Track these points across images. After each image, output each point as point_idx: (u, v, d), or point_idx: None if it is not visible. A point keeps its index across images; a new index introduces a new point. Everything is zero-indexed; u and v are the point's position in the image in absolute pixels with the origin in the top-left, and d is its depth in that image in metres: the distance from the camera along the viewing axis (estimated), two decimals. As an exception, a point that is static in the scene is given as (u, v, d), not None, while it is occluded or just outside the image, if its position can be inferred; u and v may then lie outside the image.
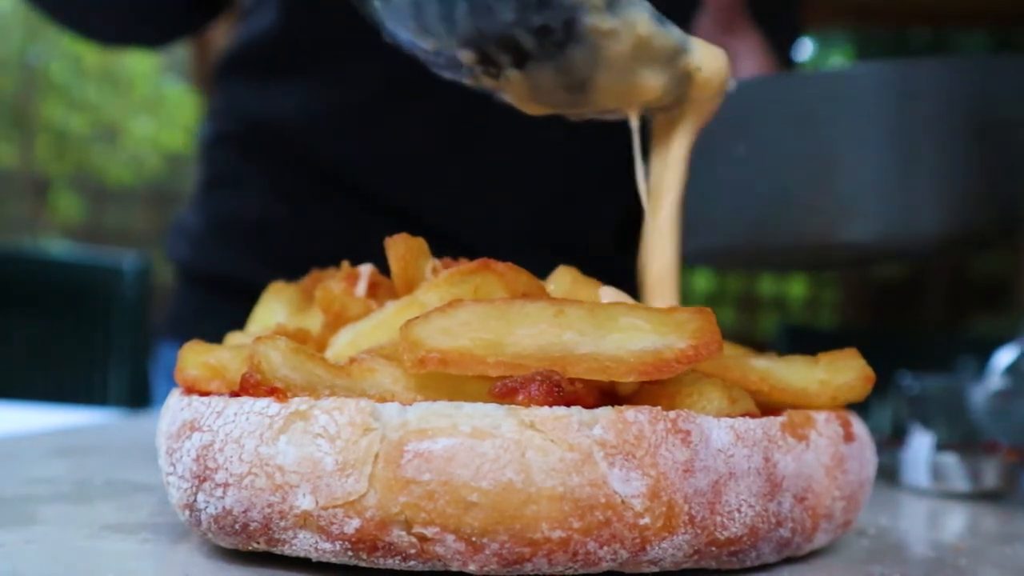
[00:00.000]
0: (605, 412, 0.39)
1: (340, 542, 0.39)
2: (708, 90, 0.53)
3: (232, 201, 1.12)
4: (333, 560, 0.40)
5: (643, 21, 0.49)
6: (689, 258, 0.83)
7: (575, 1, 0.47)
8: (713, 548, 0.41)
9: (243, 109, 1.13)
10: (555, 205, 1.11)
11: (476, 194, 1.07)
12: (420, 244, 0.48)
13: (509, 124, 0.90)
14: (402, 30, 0.50)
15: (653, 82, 0.51)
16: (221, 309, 1.05)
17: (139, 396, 1.88)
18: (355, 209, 1.07)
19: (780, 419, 0.44)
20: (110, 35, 1.14)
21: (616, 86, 0.51)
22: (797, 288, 5.50)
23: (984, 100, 0.73)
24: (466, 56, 0.49)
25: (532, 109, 0.53)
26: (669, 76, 0.51)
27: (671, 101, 0.53)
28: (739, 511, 0.41)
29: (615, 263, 1.12)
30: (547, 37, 0.48)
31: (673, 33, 0.50)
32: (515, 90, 0.51)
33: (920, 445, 0.73)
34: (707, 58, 0.52)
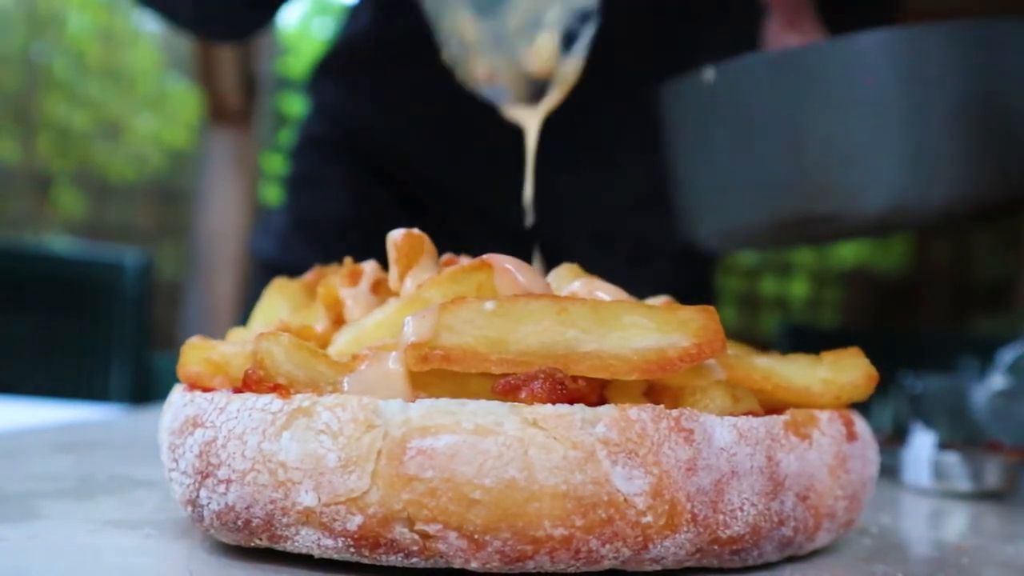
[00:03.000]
0: (608, 410, 0.39)
1: (342, 539, 0.39)
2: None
3: (317, 201, 1.15)
4: (335, 557, 0.40)
5: None
6: (707, 241, 0.85)
7: None
8: (715, 547, 0.41)
9: (331, 111, 1.16)
10: (625, 212, 1.12)
11: (551, 198, 1.08)
12: (422, 240, 0.48)
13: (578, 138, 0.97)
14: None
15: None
16: None
17: (141, 392, 1.88)
18: (436, 212, 1.09)
19: (783, 418, 0.44)
20: (195, 23, 1.14)
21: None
22: (799, 287, 5.50)
23: (991, 64, 0.72)
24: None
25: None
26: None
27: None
28: (741, 510, 0.41)
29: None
30: None
31: None
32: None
33: (922, 444, 0.73)
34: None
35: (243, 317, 1.20)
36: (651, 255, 1.15)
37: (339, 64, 1.15)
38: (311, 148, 1.18)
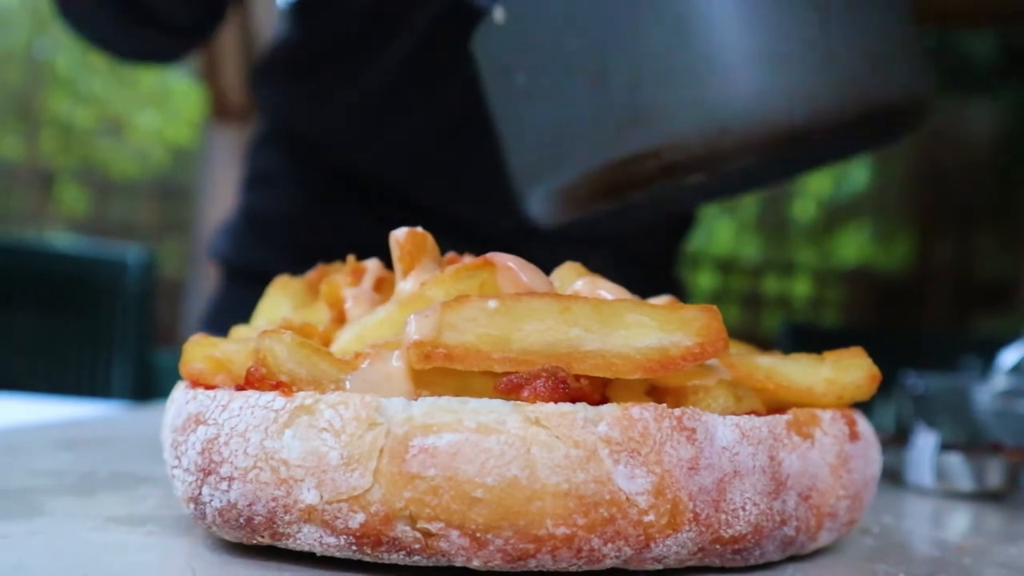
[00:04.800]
0: (610, 409, 0.39)
1: (344, 536, 0.39)
2: None
3: (269, 199, 1.16)
4: (337, 555, 0.40)
5: None
6: (538, 213, 0.72)
7: None
8: (717, 546, 0.41)
9: (274, 112, 1.17)
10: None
11: (501, 189, 1.08)
12: (425, 238, 0.48)
13: None
14: None
15: None
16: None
17: (143, 388, 1.88)
18: (387, 207, 1.09)
19: (785, 417, 0.44)
20: (130, 52, 1.14)
21: None
22: (801, 287, 5.50)
23: None
24: None
25: None
26: None
27: None
28: (743, 509, 0.41)
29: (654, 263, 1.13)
30: None
31: None
32: None
33: (924, 444, 0.73)
34: None
35: (209, 320, 1.21)
36: (595, 248, 1.12)
37: (276, 67, 1.16)
38: (262, 147, 1.19)
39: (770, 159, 0.63)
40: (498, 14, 0.67)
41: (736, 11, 0.59)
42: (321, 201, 1.13)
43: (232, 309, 1.18)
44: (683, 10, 0.59)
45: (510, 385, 0.39)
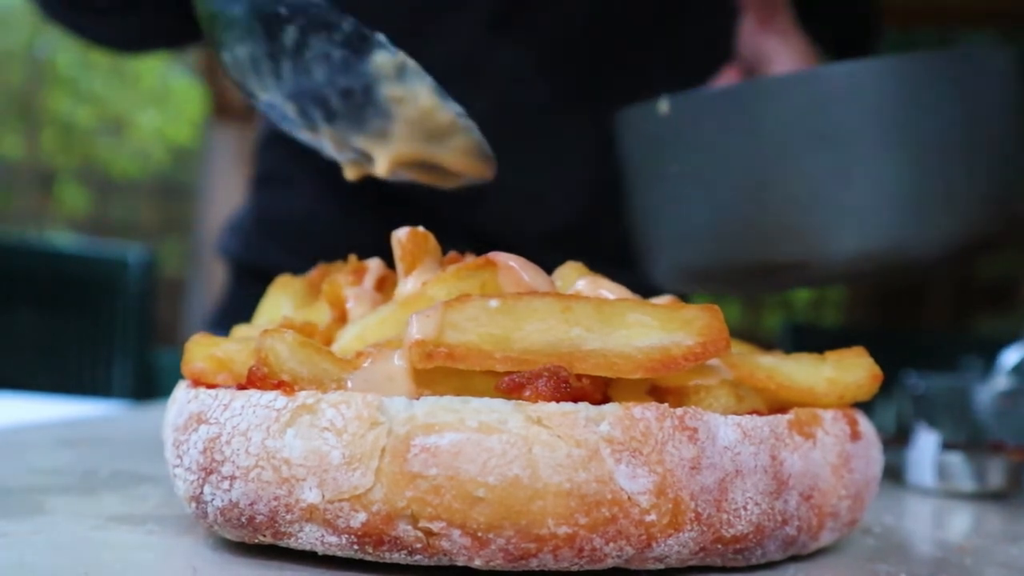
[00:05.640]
0: (612, 408, 0.39)
1: (346, 536, 0.39)
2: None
3: (281, 198, 1.15)
4: (339, 554, 0.40)
5: (426, 92, 0.56)
6: (663, 280, 0.78)
7: (373, 70, 0.55)
8: (719, 546, 0.41)
9: None
10: (582, 206, 1.12)
11: (512, 195, 1.08)
12: (426, 238, 0.48)
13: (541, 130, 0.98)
14: (245, 82, 0.58)
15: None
16: None
17: (144, 388, 1.88)
18: (397, 208, 1.09)
19: (787, 417, 0.44)
20: (119, 41, 1.14)
21: (406, 149, 0.58)
22: (802, 286, 5.49)
23: (969, 92, 0.68)
24: (290, 108, 0.58)
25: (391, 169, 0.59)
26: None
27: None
28: (745, 509, 0.41)
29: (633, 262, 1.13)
30: (350, 98, 0.57)
31: (452, 108, 0.56)
32: (326, 141, 0.59)
33: (925, 444, 0.73)
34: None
35: (218, 319, 1.21)
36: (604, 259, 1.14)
37: None
38: (273, 145, 1.18)
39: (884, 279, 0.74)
40: (663, 106, 0.72)
41: (891, 155, 0.67)
42: (332, 200, 1.12)
43: (241, 307, 1.18)
44: (848, 145, 0.67)
45: (512, 384, 0.39)
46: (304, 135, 0.60)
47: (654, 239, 0.77)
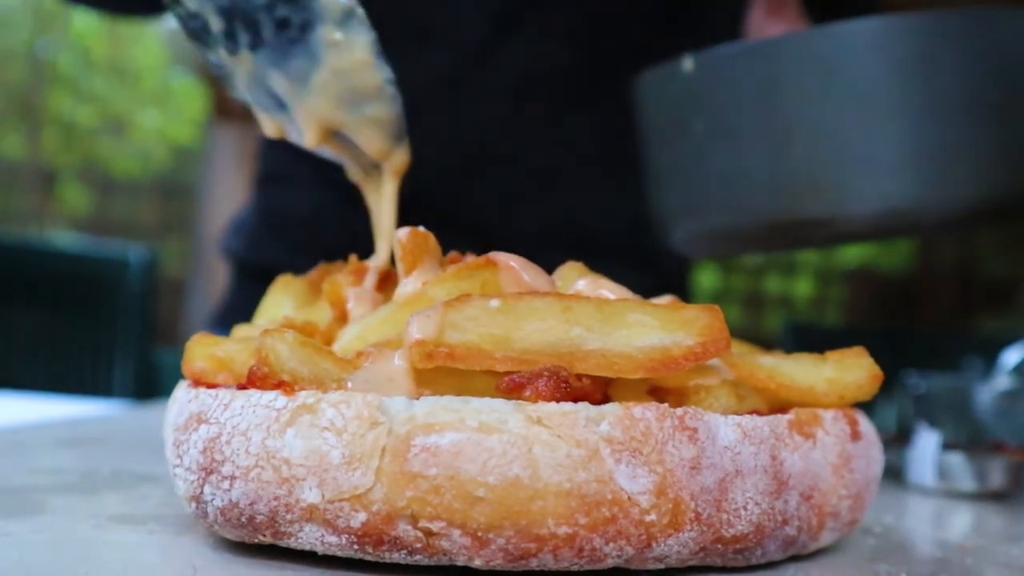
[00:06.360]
0: (612, 408, 0.39)
1: (346, 535, 0.39)
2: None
3: (285, 197, 1.15)
4: (339, 553, 0.40)
5: (364, 46, 0.53)
6: (681, 245, 0.79)
7: (318, 7, 0.52)
8: (719, 545, 0.41)
9: None
10: (584, 203, 1.12)
11: (517, 195, 1.08)
12: (428, 238, 0.48)
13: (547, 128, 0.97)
14: None
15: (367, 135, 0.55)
16: None
17: (144, 387, 1.88)
18: (403, 207, 1.09)
19: (787, 417, 0.44)
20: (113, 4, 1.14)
21: (322, 104, 0.55)
22: (803, 286, 5.49)
23: (997, 53, 0.68)
24: (215, 23, 0.54)
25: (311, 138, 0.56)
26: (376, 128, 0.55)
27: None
28: (745, 509, 0.41)
29: (634, 261, 1.13)
30: (284, 30, 0.53)
31: (384, 72, 0.54)
32: (241, 70, 0.56)
33: (926, 444, 0.73)
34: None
35: (221, 318, 1.21)
36: (608, 255, 1.13)
37: None
38: (276, 145, 1.18)
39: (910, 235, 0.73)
40: (688, 64, 0.72)
41: (916, 111, 0.67)
42: (334, 199, 1.12)
43: (244, 306, 1.18)
44: (874, 101, 0.67)
45: (512, 384, 0.39)
46: (216, 56, 0.56)
47: (677, 200, 0.77)
